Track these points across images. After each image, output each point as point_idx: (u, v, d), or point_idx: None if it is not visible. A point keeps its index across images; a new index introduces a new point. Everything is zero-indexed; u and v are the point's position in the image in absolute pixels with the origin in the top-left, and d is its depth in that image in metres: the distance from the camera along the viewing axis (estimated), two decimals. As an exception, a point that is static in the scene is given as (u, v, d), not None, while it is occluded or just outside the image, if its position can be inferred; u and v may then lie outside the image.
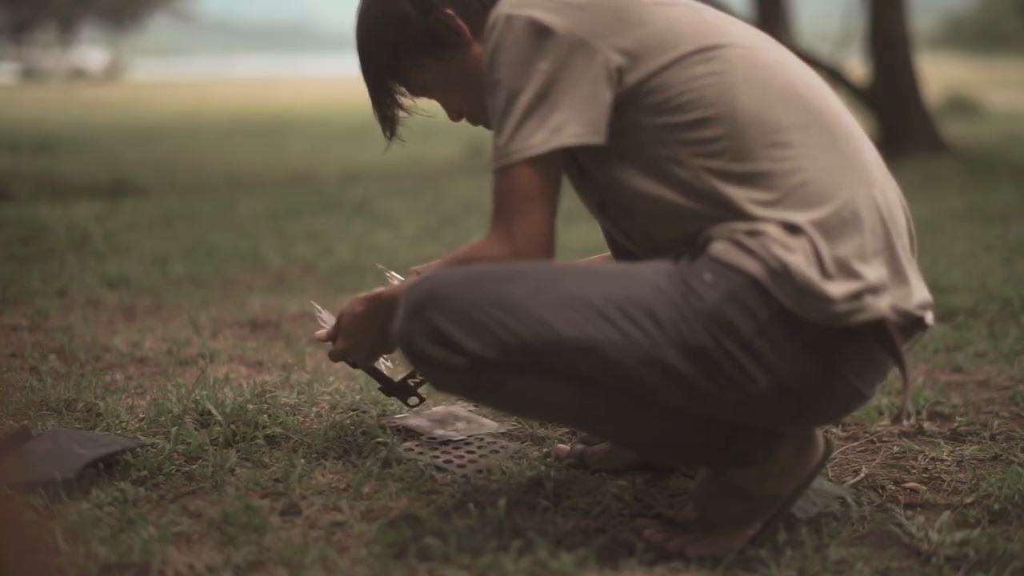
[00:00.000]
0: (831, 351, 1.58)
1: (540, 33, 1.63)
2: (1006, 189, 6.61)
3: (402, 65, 1.86)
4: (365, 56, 1.89)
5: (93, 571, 1.58)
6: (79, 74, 37.67)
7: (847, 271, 1.56)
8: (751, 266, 1.54)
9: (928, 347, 2.91)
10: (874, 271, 1.59)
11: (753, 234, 1.55)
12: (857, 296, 1.55)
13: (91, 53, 44.89)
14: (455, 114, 1.91)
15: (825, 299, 1.53)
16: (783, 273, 1.53)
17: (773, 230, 1.55)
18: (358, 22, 1.88)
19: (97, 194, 6.84)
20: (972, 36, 47.87)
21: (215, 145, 11.38)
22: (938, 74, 14.25)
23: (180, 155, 10.15)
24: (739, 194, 1.58)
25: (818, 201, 1.58)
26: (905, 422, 2.28)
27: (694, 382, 1.55)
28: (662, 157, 1.63)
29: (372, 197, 6.47)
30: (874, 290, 1.57)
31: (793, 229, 1.55)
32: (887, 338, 1.58)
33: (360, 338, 2.01)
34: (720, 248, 1.56)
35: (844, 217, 1.58)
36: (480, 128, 1.92)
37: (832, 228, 1.57)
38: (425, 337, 1.57)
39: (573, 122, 1.62)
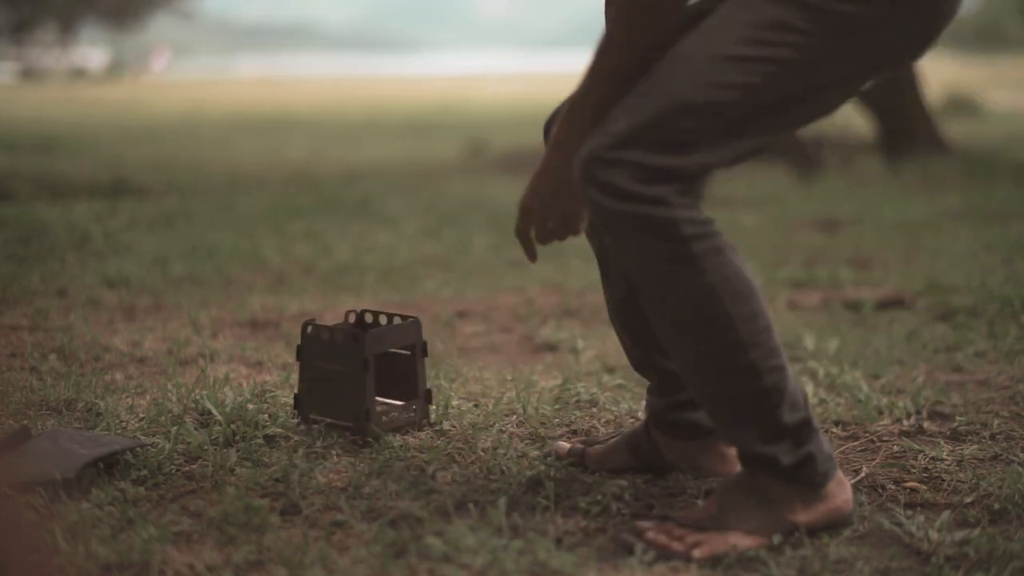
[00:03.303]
0: None
1: None
2: (1006, 189, 6.61)
3: None
4: None
5: (93, 571, 1.58)
6: (79, 74, 37.65)
7: None
8: None
9: (928, 347, 2.91)
10: None
11: None
12: None
13: (91, 53, 44.86)
14: None
15: None
16: None
17: None
18: None
19: (97, 194, 6.83)
20: (972, 36, 47.81)
21: (215, 145, 11.38)
22: (938, 74, 14.23)
23: (180, 155, 10.15)
24: None
25: None
26: (905, 421, 2.28)
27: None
28: None
29: (372, 197, 6.47)
30: None
31: None
32: None
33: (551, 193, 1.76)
34: None
35: None
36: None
37: None
38: (628, 178, 1.57)
39: None
